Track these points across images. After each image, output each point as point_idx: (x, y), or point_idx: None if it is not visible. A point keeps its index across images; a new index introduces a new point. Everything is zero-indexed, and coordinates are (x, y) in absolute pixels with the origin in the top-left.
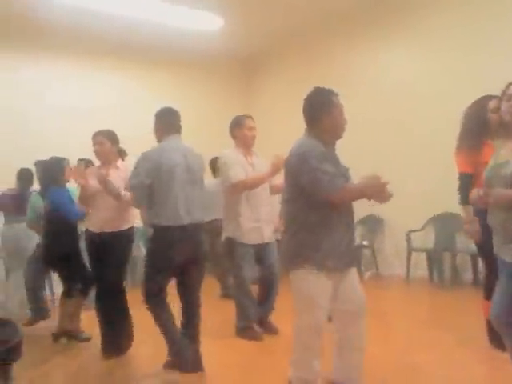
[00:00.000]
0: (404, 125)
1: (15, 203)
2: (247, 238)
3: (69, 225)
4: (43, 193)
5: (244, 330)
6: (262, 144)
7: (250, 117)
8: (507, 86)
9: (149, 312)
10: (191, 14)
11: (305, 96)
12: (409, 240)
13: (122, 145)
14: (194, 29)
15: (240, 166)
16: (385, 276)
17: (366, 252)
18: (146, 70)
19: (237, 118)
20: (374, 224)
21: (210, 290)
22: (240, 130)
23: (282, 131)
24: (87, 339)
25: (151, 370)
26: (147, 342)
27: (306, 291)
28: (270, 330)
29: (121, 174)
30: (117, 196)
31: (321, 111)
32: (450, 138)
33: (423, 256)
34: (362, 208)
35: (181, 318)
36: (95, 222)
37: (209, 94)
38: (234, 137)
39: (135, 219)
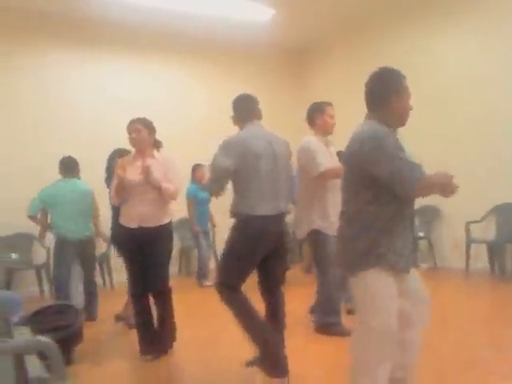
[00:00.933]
0: (462, 113)
1: None
2: (334, 230)
3: None
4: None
5: (331, 326)
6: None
7: (331, 104)
8: None
9: (226, 306)
10: (242, 5)
11: (369, 75)
12: (468, 231)
13: (174, 137)
14: (245, 20)
15: (323, 153)
16: (442, 268)
17: (423, 244)
18: (197, 62)
19: (318, 105)
20: (430, 215)
21: None
22: (321, 117)
23: (339, 121)
24: None
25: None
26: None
27: (377, 292)
28: None
29: (158, 165)
30: (158, 188)
31: (389, 92)
32: None
33: (483, 248)
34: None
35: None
36: (133, 216)
37: (259, 85)
38: (312, 124)
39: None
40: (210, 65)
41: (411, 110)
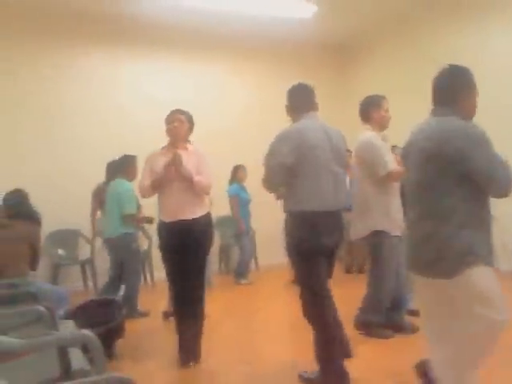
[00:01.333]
0: None
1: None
2: (397, 231)
3: None
4: None
5: (374, 325)
6: (359, 133)
7: (385, 97)
8: None
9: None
10: (283, 2)
11: (439, 71)
12: None
13: (212, 136)
14: (287, 17)
15: (387, 151)
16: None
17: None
18: (237, 61)
19: (373, 98)
20: None
21: None
22: (377, 111)
23: None
24: None
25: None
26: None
27: (487, 289)
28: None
29: (191, 157)
30: (190, 179)
31: (462, 88)
32: None
33: None
34: None
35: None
36: (167, 209)
37: (303, 81)
38: (367, 118)
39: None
40: (250, 63)
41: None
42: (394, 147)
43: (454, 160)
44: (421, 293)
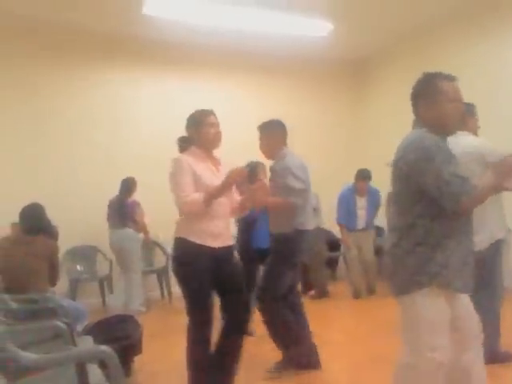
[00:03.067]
0: None
1: (115, 211)
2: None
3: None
4: None
5: (503, 355)
6: (373, 150)
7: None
8: None
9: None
10: (300, 21)
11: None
12: None
13: (233, 151)
14: (303, 35)
15: None
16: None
17: None
18: (254, 79)
19: (468, 107)
20: None
21: None
22: (472, 119)
23: (395, 136)
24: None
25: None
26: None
27: (430, 316)
28: None
29: (224, 168)
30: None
31: (420, 98)
32: None
33: None
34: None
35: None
36: (216, 233)
37: (318, 100)
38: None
39: None
40: (266, 81)
41: (459, 113)
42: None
43: (407, 174)
44: None
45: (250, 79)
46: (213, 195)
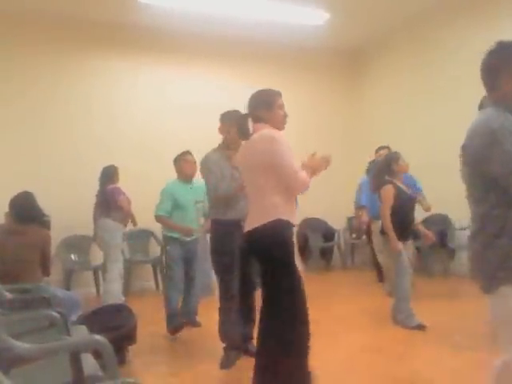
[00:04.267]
0: None
1: (97, 202)
2: None
3: None
4: None
5: None
6: (369, 139)
7: None
8: None
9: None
10: (297, 10)
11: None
12: None
13: None
14: (300, 24)
15: None
16: None
17: None
18: (251, 67)
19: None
20: None
21: None
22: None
23: (391, 125)
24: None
25: None
26: None
27: None
28: None
29: None
30: None
31: (502, 69)
32: None
33: None
34: None
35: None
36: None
37: (314, 89)
38: (495, 89)
39: None
40: (265, 69)
41: None
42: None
43: (475, 161)
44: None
45: (246, 68)
46: (309, 175)
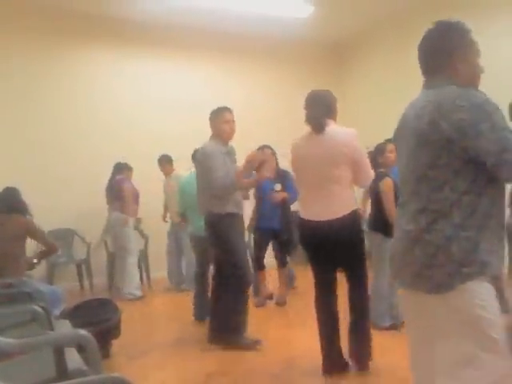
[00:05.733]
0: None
1: (107, 193)
2: None
3: None
4: None
5: None
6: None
7: None
8: None
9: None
10: (280, 2)
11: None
12: None
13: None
14: (284, 16)
15: None
16: None
17: None
18: (235, 60)
19: None
20: None
21: None
22: None
23: (375, 118)
24: None
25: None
26: None
27: (483, 314)
28: None
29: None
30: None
31: (456, 48)
32: None
33: None
34: None
35: None
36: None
37: (299, 81)
38: None
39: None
40: (249, 62)
41: (482, 72)
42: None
43: (452, 138)
44: (405, 308)
45: (230, 60)
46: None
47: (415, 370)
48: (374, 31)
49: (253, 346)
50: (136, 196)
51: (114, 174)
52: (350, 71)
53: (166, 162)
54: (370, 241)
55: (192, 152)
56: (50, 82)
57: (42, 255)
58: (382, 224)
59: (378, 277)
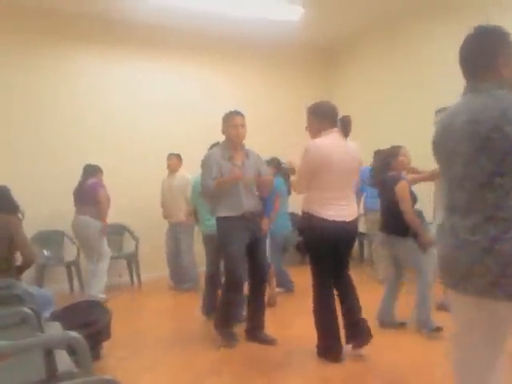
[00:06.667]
0: None
1: (75, 196)
2: None
3: None
4: None
5: None
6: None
7: None
8: None
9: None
10: (271, 5)
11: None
12: None
13: (206, 137)
14: (274, 19)
15: None
16: None
17: None
18: (226, 62)
19: None
20: None
21: None
22: None
23: (364, 120)
24: None
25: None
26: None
27: None
28: None
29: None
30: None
31: (500, 52)
32: None
33: None
34: None
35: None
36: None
37: (288, 84)
38: None
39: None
40: (237, 64)
41: None
42: (378, 151)
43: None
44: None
45: (220, 62)
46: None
47: (469, 373)
48: (364, 33)
49: (230, 342)
50: (109, 200)
51: (84, 176)
52: (340, 72)
53: (175, 157)
54: (391, 244)
55: (183, 153)
56: (37, 83)
57: (18, 271)
58: (400, 226)
59: (424, 279)
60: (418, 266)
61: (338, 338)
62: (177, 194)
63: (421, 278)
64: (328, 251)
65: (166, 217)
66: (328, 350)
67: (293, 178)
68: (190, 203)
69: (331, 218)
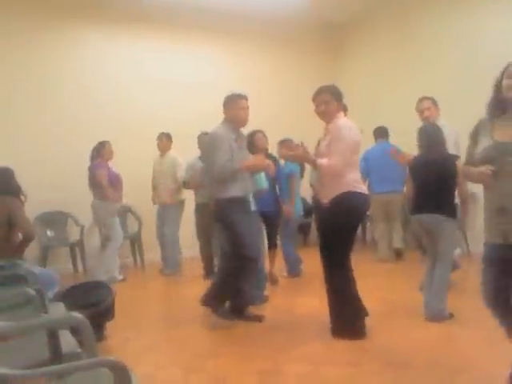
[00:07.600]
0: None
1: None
2: None
3: None
4: None
5: None
6: (352, 115)
7: None
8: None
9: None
10: None
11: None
12: None
13: (212, 116)
14: None
15: None
16: None
17: None
18: (231, 40)
19: None
20: None
21: None
22: None
23: (370, 98)
24: None
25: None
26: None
27: None
28: None
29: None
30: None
31: None
32: None
33: None
34: None
35: None
36: None
37: (295, 63)
38: None
39: None
40: (244, 43)
41: None
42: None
43: None
44: None
45: (225, 41)
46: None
47: None
48: (371, 11)
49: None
50: (117, 180)
51: (91, 159)
52: (346, 51)
53: (165, 138)
54: (436, 225)
55: (185, 132)
56: (37, 64)
57: (19, 248)
58: (451, 206)
59: (448, 265)
60: (450, 250)
61: (363, 315)
62: (166, 175)
63: (445, 262)
64: (358, 226)
65: (155, 202)
66: (351, 327)
67: (322, 160)
68: (178, 181)
69: (366, 192)
